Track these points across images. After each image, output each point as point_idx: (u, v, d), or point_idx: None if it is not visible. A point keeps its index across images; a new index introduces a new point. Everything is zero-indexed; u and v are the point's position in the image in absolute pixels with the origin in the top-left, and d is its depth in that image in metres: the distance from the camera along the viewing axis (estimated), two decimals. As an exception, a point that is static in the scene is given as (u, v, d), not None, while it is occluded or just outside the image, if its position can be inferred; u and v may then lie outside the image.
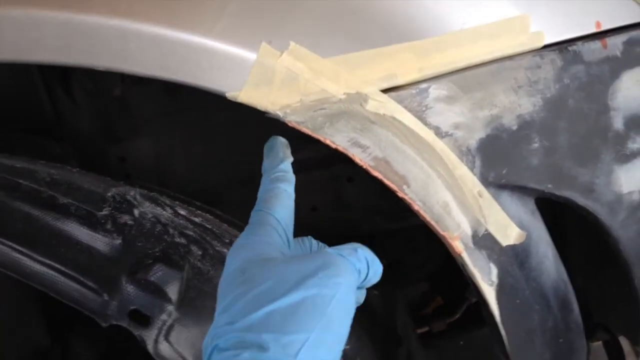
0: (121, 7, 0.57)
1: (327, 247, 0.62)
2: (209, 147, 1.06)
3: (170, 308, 0.67)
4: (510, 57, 0.69)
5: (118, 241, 0.66)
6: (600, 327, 1.00)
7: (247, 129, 1.00)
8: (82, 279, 0.63)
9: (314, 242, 0.64)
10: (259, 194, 0.62)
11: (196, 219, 0.74)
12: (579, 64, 0.71)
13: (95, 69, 0.57)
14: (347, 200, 1.16)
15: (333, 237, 1.21)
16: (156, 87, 1.01)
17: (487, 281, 0.73)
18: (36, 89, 1.01)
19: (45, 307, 1.04)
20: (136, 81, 0.99)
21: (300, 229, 1.17)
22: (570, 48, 0.71)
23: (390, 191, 0.68)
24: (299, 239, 0.63)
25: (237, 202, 1.09)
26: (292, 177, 0.63)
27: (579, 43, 0.71)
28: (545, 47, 0.70)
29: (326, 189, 1.16)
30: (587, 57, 0.71)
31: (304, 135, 0.64)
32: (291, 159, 0.65)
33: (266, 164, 0.64)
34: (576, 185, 0.74)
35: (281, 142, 0.66)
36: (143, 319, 0.66)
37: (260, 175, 1.13)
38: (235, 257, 0.54)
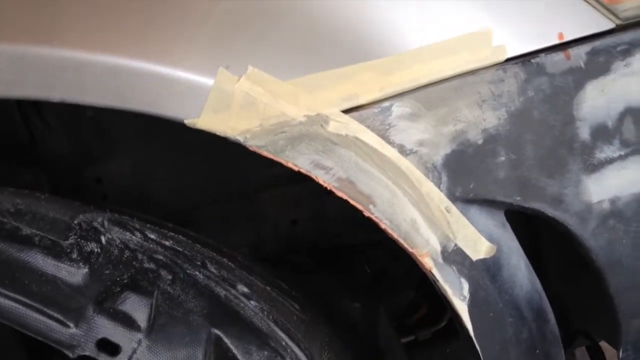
0: (75, 39, 0.57)
1: None
2: (185, 167, 1.06)
3: (140, 336, 0.66)
4: (473, 72, 0.69)
5: (84, 270, 0.66)
6: (581, 333, 1.00)
7: (223, 148, 1.00)
8: (47, 310, 0.62)
9: None
10: None
11: (167, 242, 0.74)
12: (543, 76, 0.71)
13: (50, 100, 0.57)
14: (327, 212, 1.16)
15: (314, 250, 1.21)
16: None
17: (458, 296, 0.73)
18: (10, 113, 1.01)
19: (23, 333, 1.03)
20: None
21: (282, 243, 1.17)
22: (533, 60, 0.71)
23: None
24: None
25: (213, 221, 1.09)
26: None
27: (542, 55, 0.71)
28: (508, 60, 0.70)
29: (306, 202, 1.15)
30: (551, 68, 0.71)
31: None
32: None
33: None
34: (545, 196, 0.74)
35: None
36: (112, 348, 0.65)
37: (236, 194, 1.12)
38: None
